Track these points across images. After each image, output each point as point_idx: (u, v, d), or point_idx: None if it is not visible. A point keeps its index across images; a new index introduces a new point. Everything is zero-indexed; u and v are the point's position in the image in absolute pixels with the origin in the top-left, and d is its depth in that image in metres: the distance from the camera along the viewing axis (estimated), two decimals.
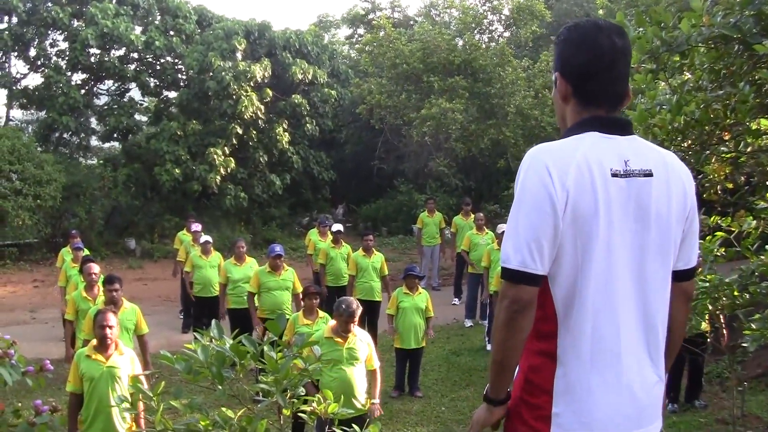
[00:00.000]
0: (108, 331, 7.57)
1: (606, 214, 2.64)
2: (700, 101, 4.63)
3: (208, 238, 14.86)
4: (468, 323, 16.03)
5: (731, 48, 4.47)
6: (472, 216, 17.62)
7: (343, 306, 8.20)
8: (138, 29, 26.17)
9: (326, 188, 29.46)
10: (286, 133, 26.38)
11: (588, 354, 2.68)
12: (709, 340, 9.45)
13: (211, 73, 24.53)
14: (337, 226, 15.53)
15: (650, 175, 2.72)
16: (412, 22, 32.37)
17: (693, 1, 4.07)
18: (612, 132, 2.77)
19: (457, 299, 17.85)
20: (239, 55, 25.50)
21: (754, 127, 4.88)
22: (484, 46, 22.39)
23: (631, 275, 2.71)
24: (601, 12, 25.53)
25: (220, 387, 4.11)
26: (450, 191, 27.16)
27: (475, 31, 23.54)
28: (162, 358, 4.23)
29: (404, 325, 11.65)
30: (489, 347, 14.01)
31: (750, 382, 10.52)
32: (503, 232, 12.16)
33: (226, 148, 24.68)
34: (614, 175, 2.67)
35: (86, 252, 14.44)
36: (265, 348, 4.20)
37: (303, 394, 4.41)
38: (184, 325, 15.77)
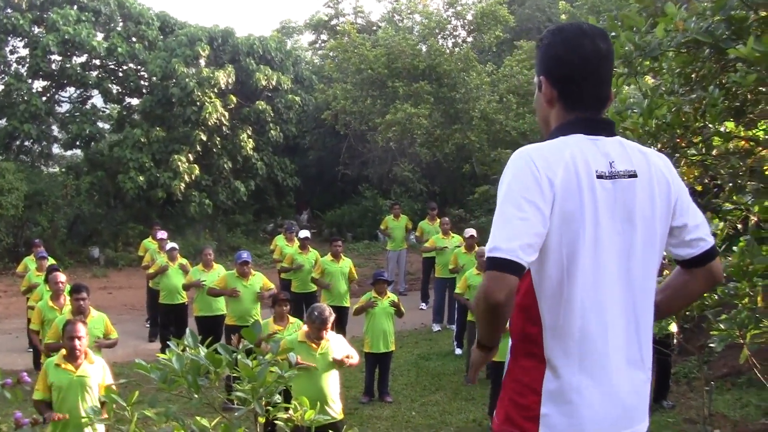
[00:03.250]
0: (77, 342, 7.52)
1: (593, 216, 2.66)
2: (671, 105, 4.68)
3: (174, 245, 14.81)
4: (436, 328, 16.07)
5: (702, 52, 4.52)
6: (438, 220, 17.69)
7: (316, 313, 8.19)
8: (100, 36, 25.88)
9: (291, 194, 29.36)
10: (251, 140, 26.31)
11: (576, 355, 2.69)
12: (676, 341, 9.56)
13: (174, 80, 24.38)
14: (305, 233, 15.53)
15: (634, 176, 2.74)
16: (375, 28, 32.39)
17: (667, 6, 4.11)
18: (597, 133, 2.79)
19: (424, 304, 17.91)
20: (203, 62, 25.37)
21: (724, 129, 4.94)
22: (448, 51, 22.44)
23: (618, 276, 2.72)
24: (563, 17, 25.71)
25: (196, 396, 4.09)
26: (414, 196, 27.18)
27: (439, 36, 23.60)
28: (137, 367, 4.21)
29: (373, 329, 11.67)
30: (458, 351, 14.13)
31: (717, 382, 10.62)
32: (471, 235, 12.30)
33: (190, 155, 24.54)
34: (600, 176, 2.69)
35: (51, 261, 14.33)
36: (240, 356, 4.20)
37: (279, 401, 4.40)
38: (151, 333, 15.69)
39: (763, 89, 5.09)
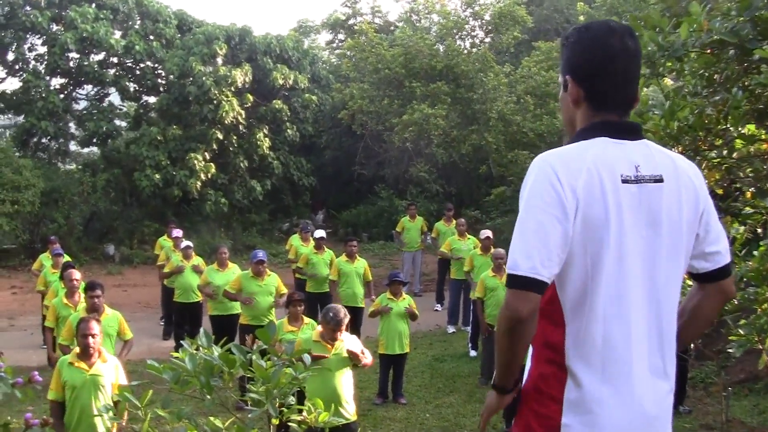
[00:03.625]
0: (91, 340, 7.48)
1: (617, 221, 2.59)
2: (693, 107, 4.61)
3: (189, 243, 14.80)
4: (450, 329, 16.01)
5: (725, 53, 4.45)
6: (454, 222, 17.61)
7: (331, 314, 8.14)
8: (118, 33, 25.96)
9: (306, 194, 29.32)
10: (267, 139, 26.28)
11: (599, 364, 2.63)
12: (693, 345, 9.47)
13: (191, 78, 24.40)
14: (320, 232, 15.45)
15: (660, 180, 2.68)
16: (392, 28, 32.34)
17: (692, 6, 4.04)
18: (622, 137, 2.72)
19: (439, 305, 17.83)
20: (220, 60, 25.40)
21: (746, 132, 4.87)
22: (465, 51, 22.35)
23: (642, 283, 2.65)
24: (581, 18, 25.61)
25: (209, 396, 4.05)
26: (431, 197, 27.13)
27: (457, 37, 23.52)
28: (149, 368, 4.17)
29: (388, 331, 11.61)
30: (472, 353, 14.05)
31: (734, 387, 10.53)
32: (487, 237, 12.23)
33: (206, 154, 24.54)
34: (625, 181, 2.62)
35: (66, 258, 14.34)
36: (254, 357, 4.16)
37: (293, 403, 4.36)
38: (165, 332, 15.65)
39: None
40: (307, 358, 4.47)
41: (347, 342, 8.25)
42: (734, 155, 5.12)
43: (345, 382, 8.04)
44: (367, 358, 8.39)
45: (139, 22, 26.44)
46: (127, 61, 26.37)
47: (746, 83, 4.73)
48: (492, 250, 13.83)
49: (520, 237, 2.59)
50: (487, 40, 23.11)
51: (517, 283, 2.55)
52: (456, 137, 21.35)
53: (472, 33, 23.30)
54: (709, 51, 4.35)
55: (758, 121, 4.99)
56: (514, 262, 2.56)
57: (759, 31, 4.07)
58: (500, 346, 2.69)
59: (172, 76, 25.24)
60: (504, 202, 25.50)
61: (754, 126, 4.85)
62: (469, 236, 16.20)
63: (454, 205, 19.93)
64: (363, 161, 27.69)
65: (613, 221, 2.59)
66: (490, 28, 22.30)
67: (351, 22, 35.36)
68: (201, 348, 4.23)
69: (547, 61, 21.87)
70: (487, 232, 14.67)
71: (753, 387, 10.99)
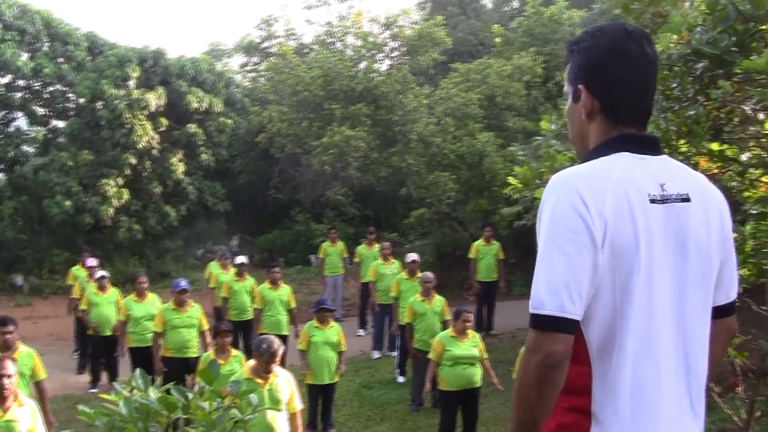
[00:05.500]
0: (6, 381, 6.95)
1: (647, 246, 2.33)
2: (659, 123, 4.45)
3: (105, 273, 14.26)
4: (376, 355, 15.74)
5: (691, 68, 4.30)
6: (377, 245, 17.41)
7: (264, 345, 7.78)
8: (25, 56, 25.04)
9: (221, 219, 28.78)
10: (181, 163, 25.63)
11: (628, 409, 2.34)
12: None
13: (103, 102, 23.68)
14: (241, 259, 15.09)
15: (687, 200, 2.43)
16: (306, 50, 32.11)
17: (673, 16, 3.86)
18: (644, 152, 2.46)
19: (362, 330, 17.58)
20: (132, 83, 24.72)
21: (708, 149, 4.74)
22: (385, 73, 22.21)
23: (671, 315, 2.39)
24: (497, 40, 25.75)
25: None
26: (348, 220, 26.97)
27: (376, 58, 23.39)
28: (80, 414, 3.79)
29: (316, 359, 11.32)
30: (400, 379, 13.83)
31: None
32: (413, 260, 12.07)
33: (119, 179, 23.75)
34: (652, 201, 2.36)
35: None
36: (193, 398, 3.81)
37: None
38: (80, 365, 15.01)
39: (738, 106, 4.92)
40: (253, 398, 4.12)
41: (281, 377, 7.91)
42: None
43: (280, 418, 7.68)
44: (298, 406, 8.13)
45: (48, 44, 25.51)
46: (36, 84, 25.49)
47: (704, 101, 4.61)
48: (418, 273, 13.66)
49: (544, 270, 2.29)
50: (406, 59, 22.95)
51: (544, 323, 2.26)
52: (376, 159, 21.14)
53: (391, 54, 23.13)
54: (681, 64, 4.18)
55: (713, 139, 4.86)
56: (539, 301, 2.27)
57: (735, 43, 3.92)
58: (526, 400, 2.35)
59: (82, 100, 24.50)
60: (422, 224, 25.49)
61: (717, 144, 4.72)
62: (393, 260, 15.99)
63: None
64: (278, 185, 27.39)
65: (643, 247, 2.32)
66: (408, 49, 22.13)
67: (265, 45, 35.03)
68: (136, 390, 3.86)
69: (465, 82, 21.84)
70: (413, 256, 14.48)
71: None
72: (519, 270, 21.11)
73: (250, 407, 3.99)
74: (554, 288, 2.25)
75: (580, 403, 2.40)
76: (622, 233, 2.31)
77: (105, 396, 3.72)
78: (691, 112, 4.32)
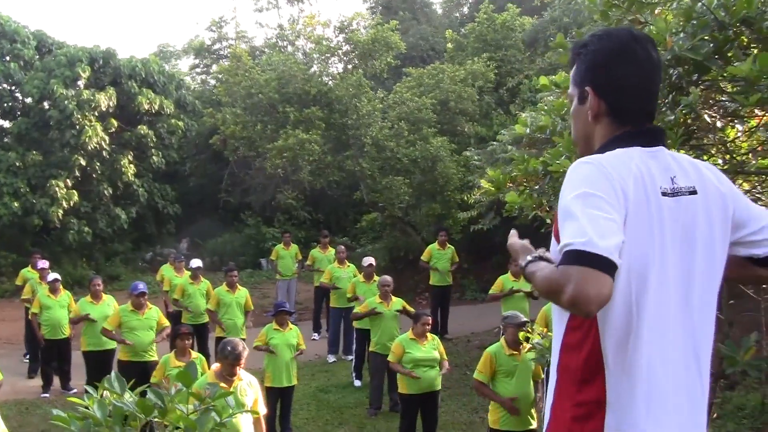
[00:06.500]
0: None
1: (660, 237, 2.37)
2: None
3: (57, 275, 14.05)
4: (331, 359, 15.71)
5: (669, 74, 4.38)
6: (330, 249, 17.41)
7: (229, 348, 7.72)
8: None
9: (171, 222, 28.53)
10: (132, 165, 25.36)
11: (643, 398, 2.38)
12: None
13: (52, 102, 23.32)
14: (196, 262, 15.02)
15: (695, 192, 2.47)
16: (258, 53, 32.01)
17: (657, 21, 3.92)
18: (653, 144, 2.51)
19: (316, 334, 17.54)
20: (82, 83, 24.39)
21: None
22: (339, 76, 22.22)
23: (679, 305, 2.43)
24: (450, 45, 25.92)
25: None
26: (298, 224, 26.97)
27: (330, 62, 23.38)
28: (54, 419, 3.71)
29: (275, 362, 11.24)
30: (357, 383, 13.81)
31: None
32: (369, 264, 12.08)
33: (68, 181, 23.39)
34: (663, 194, 2.41)
35: None
36: (170, 402, 3.78)
37: None
38: (30, 369, 14.76)
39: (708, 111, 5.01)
40: (230, 400, 4.09)
41: (245, 380, 7.87)
42: None
43: (244, 422, 7.64)
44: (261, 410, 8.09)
45: None
46: None
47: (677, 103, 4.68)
48: (375, 277, 13.68)
49: (585, 220, 2.21)
50: (356, 62, 22.94)
51: (591, 261, 2.13)
52: (330, 163, 21.14)
53: (345, 58, 23.11)
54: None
55: (683, 145, 4.93)
56: (588, 239, 2.16)
57: (714, 50, 4.00)
58: (544, 292, 2.31)
59: (30, 99, 24.12)
60: (374, 228, 25.54)
61: (684, 151, 4.80)
62: (348, 264, 15.99)
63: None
64: (229, 188, 27.30)
65: (656, 239, 2.37)
66: (361, 52, 22.12)
67: (216, 47, 34.88)
68: (109, 393, 3.81)
69: (418, 87, 21.93)
70: (369, 260, 14.49)
71: None
72: (472, 275, 21.24)
73: (227, 410, 3.97)
74: (603, 233, 2.17)
75: (592, 394, 2.42)
76: (640, 222, 2.35)
77: (76, 400, 3.65)
78: (670, 117, 4.39)
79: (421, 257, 17.06)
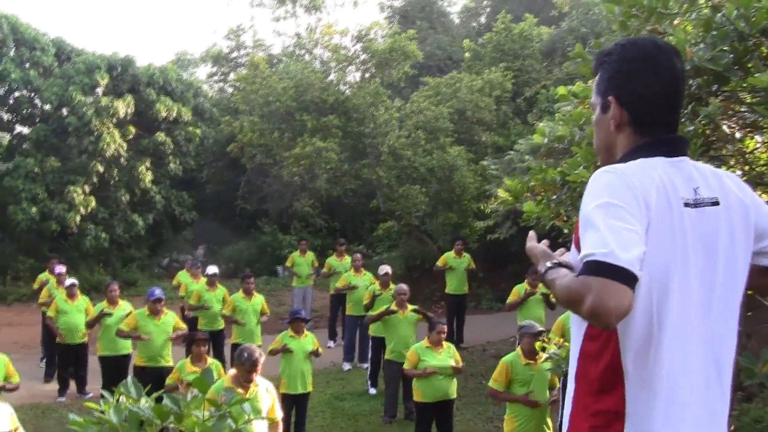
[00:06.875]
0: None
1: (682, 249, 2.37)
2: None
3: (74, 280, 14.13)
4: (346, 366, 15.71)
5: (689, 85, 4.38)
6: (347, 257, 17.42)
7: (246, 354, 7.74)
8: None
9: (188, 229, 28.63)
10: (149, 172, 25.47)
11: (662, 410, 2.37)
12: None
13: (70, 108, 23.47)
14: (213, 269, 15.04)
15: (717, 203, 2.47)
16: (275, 61, 32.10)
17: (677, 32, 3.92)
18: (676, 154, 2.51)
19: (332, 342, 17.53)
20: (101, 90, 24.53)
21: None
22: (356, 85, 22.25)
23: (700, 317, 2.42)
24: (467, 55, 25.92)
25: None
26: (315, 232, 26.98)
27: (348, 70, 23.44)
28: (71, 423, 3.73)
29: (290, 369, 11.24)
30: (372, 391, 13.80)
31: None
32: (386, 273, 12.07)
33: (86, 187, 23.53)
34: (686, 204, 2.41)
35: None
36: (187, 408, 3.79)
37: None
38: (46, 374, 14.81)
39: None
40: (247, 407, 4.09)
41: (262, 387, 7.89)
42: None
43: (260, 428, 7.64)
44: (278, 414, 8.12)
45: (14, 49, 25.26)
46: (1, 89, 25.20)
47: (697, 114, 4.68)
48: (392, 286, 13.68)
49: (607, 230, 2.22)
50: (373, 70, 22.95)
51: (613, 272, 2.14)
52: (347, 171, 21.17)
53: (363, 66, 23.15)
54: None
55: (702, 156, 4.93)
56: (610, 250, 2.16)
57: (733, 61, 4.00)
58: (564, 301, 2.32)
59: (49, 106, 24.26)
60: (390, 237, 25.54)
61: (703, 161, 4.79)
62: (365, 272, 16.00)
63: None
64: (245, 195, 27.31)
65: (679, 250, 2.36)
66: (379, 61, 22.15)
67: (234, 55, 34.96)
68: (123, 399, 3.82)
69: (435, 96, 21.93)
70: (386, 268, 14.48)
71: None
72: (487, 284, 21.20)
73: (244, 416, 3.98)
74: (625, 245, 2.17)
75: (610, 404, 2.41)
76: (662, 234, 2.34)
77: (92, 405, 3.66)
78: (689, 128, 4.39)
79: (437, 262, 17.09)
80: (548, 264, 2.47)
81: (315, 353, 11.39)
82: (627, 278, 2.13)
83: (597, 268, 2.15)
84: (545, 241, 2.71)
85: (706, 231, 2.43)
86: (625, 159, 2.53)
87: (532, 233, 2.79)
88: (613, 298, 2.11)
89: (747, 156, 5.36)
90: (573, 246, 2.50)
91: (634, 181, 2.34)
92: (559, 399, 8.64)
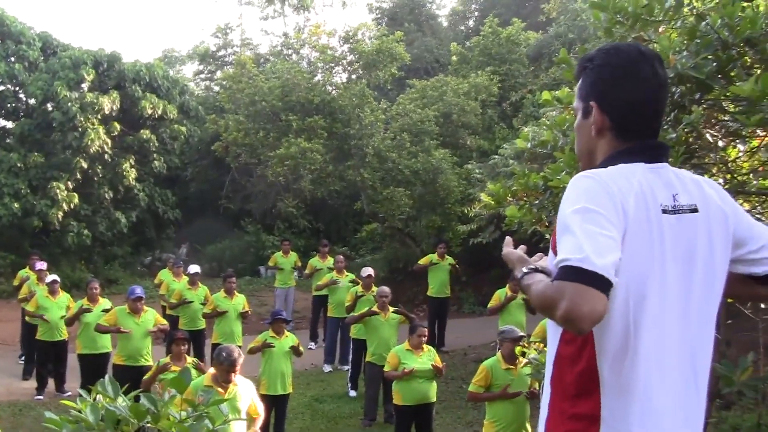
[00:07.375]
0: None
1: (659, 255, 2.36)
2: None
3: (56, 277, 14.05)
4: (327, 368, 15.68)
5: (672, 92, 4.39)
6: (330, 258, 17.39)
7: (224, 354, 7.71)
8: None
9: (171, 227, 28.51)
10: (133, 169, 25.35)
11: (637, 416, 2.36)
12: None
13: (55, 104, 23.36)
14: (194, 268, 15.03)
15: (696, 210, 2.46)
16: (262, 60, 32.06)
17: (661, 39, 3.92)
18: (656, 160, 2.50)
19: (313, 343, 17.49)
20: (86, 86, 24.40)
21: None
22: (342, 86, 22.21)
23: (677, 324, 2.41)
24: (454, 58, 25.91)
25: None
26: (298, 233, 26.92)
27: (334, 71, 23.39)
28: (47, 421, 3.70)
29: (271, 370, 11.19)
30: (352, 393, 13.77)
31: None
32: (368, 275, 12.05)
33: (69, 183, 23.37)
34: (664, 211, 2.40)
35: None
36: (163, 407, 3.75)
37: None
38: (25, 371, 14.69)
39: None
40: (224, 408, 4.07)
41: (241, 386, 7.86)
42: None
43: (238, 428, 7.62)
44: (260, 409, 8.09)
45: None
46: None
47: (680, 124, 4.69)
48: (374, 288, 13.67)
49: (583, 235, 2.22)
50: (361, 72, 22.93)
51: (587, 278, 2.14)
52: (331, 172, 21.14)
53: (349, 68, 23.13)
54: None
55: (684, 163, 4.93)
56: (585, 256, 2.16)
57: (717, 69, 4.01)
58: (539, 308, 2.34)
59: (34, 101, 24.14)
60: (374, 239, 25.53)
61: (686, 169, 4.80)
62: (347, 273, 15.98)
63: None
64: (229, 195, 27.27)
65: (656, 257, 2.36)
66: (366, 63, 22.12)
67: (221, 53, 34.90)
68: (102, 397, 3.78)
69: (421, 98, 21.93)
70: (368, 270, 14.47)
71: None
72: (470, 288, 21.21)
73: (221, 417, 3.95)
74: (600, 251, 2.18)
75: (586, 408, 2.41)
76: (639, 240, 2.34)
77: (69, 403, 3.63)
78: (672, 136, 4.39)
79: (419, 261, 17.08)
80: (524, 269, 2.47)
81: (296, 350, 11.31)
82: (601, 284, 2.13)
83: (571, 274, 2.15)
84: (522, 247, 2.71)
85: (685, 238, 2.43)
86: (605, 164, 2.52)
87: (508, 239, 2.79)
88: (586, 303, 2.11)
89: (729, 164, 5.38)
90: (551, 250, 2.49)
91: (612, 187, 2.33)
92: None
